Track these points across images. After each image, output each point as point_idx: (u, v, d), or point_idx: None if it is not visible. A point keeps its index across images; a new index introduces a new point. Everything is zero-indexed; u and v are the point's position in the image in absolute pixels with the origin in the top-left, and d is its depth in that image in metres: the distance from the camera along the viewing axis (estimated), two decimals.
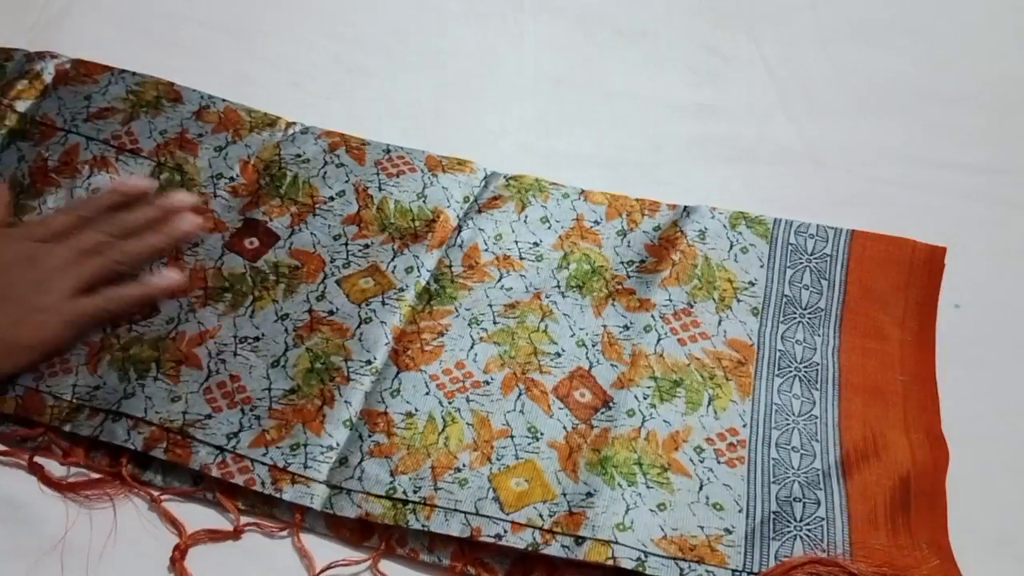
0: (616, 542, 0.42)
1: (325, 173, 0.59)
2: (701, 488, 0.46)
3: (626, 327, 0.52)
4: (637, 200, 0.59)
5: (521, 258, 0.56)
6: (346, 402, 0.48)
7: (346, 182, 0.58)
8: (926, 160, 0.65)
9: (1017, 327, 0.55)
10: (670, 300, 0.53)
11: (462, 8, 0.74)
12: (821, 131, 0.67)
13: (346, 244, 0.55)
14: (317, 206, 0.57)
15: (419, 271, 0.54)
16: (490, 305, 0.53)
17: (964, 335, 0.54)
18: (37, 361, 0.49)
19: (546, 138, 0.65)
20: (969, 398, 0.51)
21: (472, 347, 0.51)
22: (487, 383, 0.49)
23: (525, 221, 0.57)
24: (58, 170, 0.58)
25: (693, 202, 0.59)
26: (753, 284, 0.55)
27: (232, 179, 0.59)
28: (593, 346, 0.51)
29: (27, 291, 0.48)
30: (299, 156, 0.60)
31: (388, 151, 0.61)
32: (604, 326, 0.52)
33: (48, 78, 0.63)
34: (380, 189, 0.58)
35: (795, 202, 0.61)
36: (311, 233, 0.56)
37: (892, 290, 0.55)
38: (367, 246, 0.55)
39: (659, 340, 0.51)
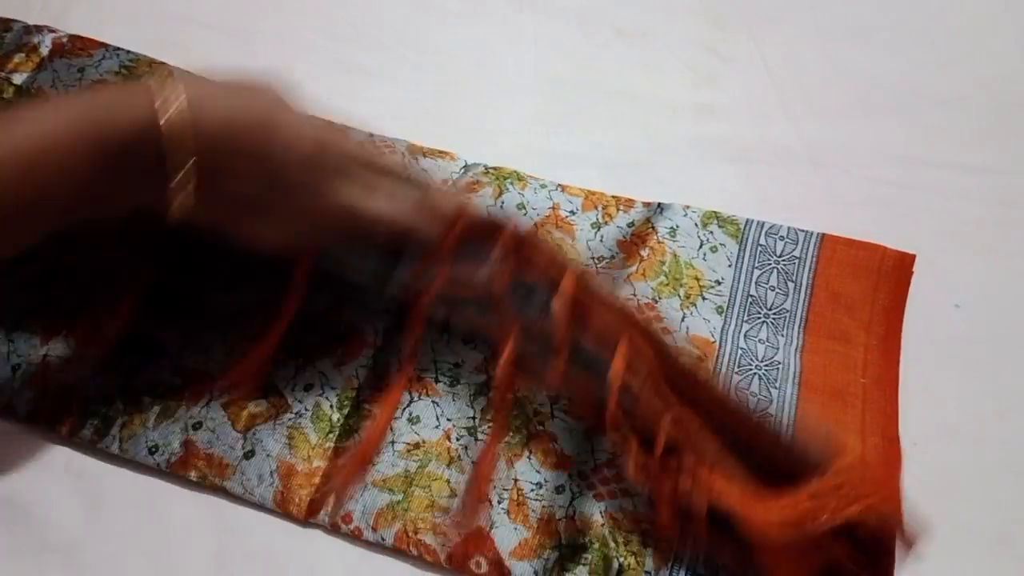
0: None
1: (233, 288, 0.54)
2: None
3: (539, 484, 0.47)
4: (613, 196, 0.59)
5: (437, 381, 0.50)
6: None
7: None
8: (926, 160, 0.65)
9: (1017, 327, 0.55)
10: (635, 295, 0.53)
11: (461, 8, 0.74)
12: (820, 132, 0.67)
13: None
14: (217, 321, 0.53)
15: (323, 389, 0.49)
16: (392, 443, 0.48)
17: (964, 335, 0.54)
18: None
19: (545, 138, 0.65)
20: (969, 398, 0.51)
21: (363, 492, 0.46)
22: (377, 544, 0.45)
23: (502, 206, 0.57)
24: None
25: (692, 202, 0.59)
26: (719, 283, 0.54)
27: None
28: (499, 503, 0.46)
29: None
30: None
31: (371, 136, 0.60)
32: (515, 480, 0.47)
33: (45, 51, 0.64)
34: None
35: (794, 202, 0.61)
36: (204, 348, 0.51)
37: (860, 295, 0.54)
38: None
39: (572, 500, 0.46)
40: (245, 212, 0.43)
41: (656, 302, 0.53)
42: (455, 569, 0.44)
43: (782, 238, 0.56)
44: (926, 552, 0.44)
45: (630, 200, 0.59)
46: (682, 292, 0.54)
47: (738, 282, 0.55)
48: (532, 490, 0.46)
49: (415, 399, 0.49)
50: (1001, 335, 0.54)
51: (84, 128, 0.38)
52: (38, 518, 0.45)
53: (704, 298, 0.54)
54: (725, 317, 0.53)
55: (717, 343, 0.52)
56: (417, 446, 0.48)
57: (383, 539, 0.44)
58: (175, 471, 0.46)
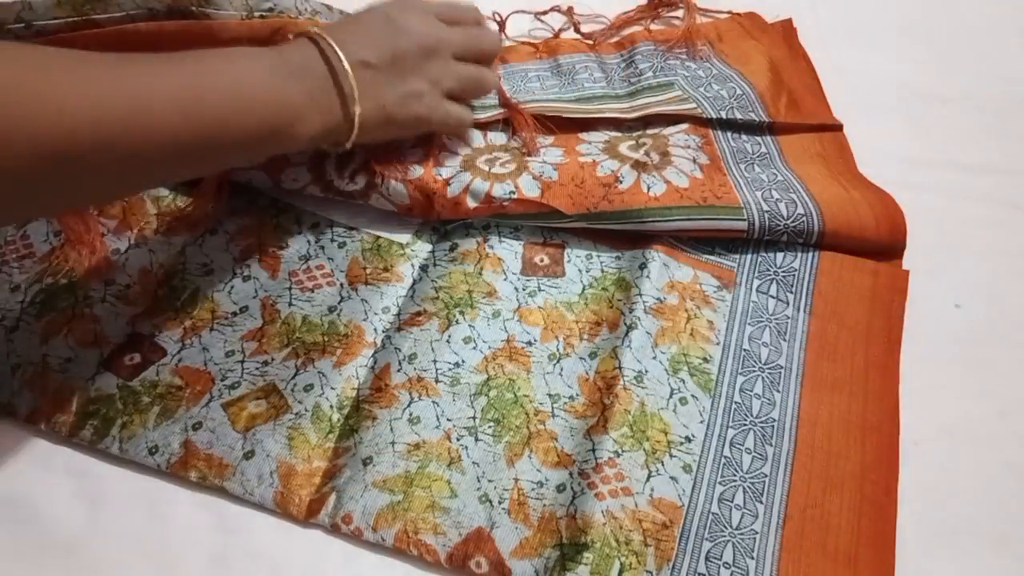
0: None
1: (232, 288, 0.54)
2: None
3: (539, 484, 0.46)
4: (575, 321, 0.54)
5: (437, 381, 0.50)
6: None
7: (253, 297, 0.54)
8: (926, 160, 0.65)
9: (1017, 327, 0.55)
10: (593, 451, 0.47)
11: None
12: None
13: (242, 361, 0.51)
14: (216, 321, 0.53)
15: (322, 389, 0.49)
16: (392, 443, 0.48)
17: (964, 335, 0.54)
18: (397, 135, 0.55)
19: None
20: (969, 398, 0.51)
21: (363, 493, 0.46)
22: (376, 544, 0.45)
23: (448, 340, 0.52)
24: None
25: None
26: (690, 440, 0.48)
27: (127, 286, 0.54)
28: (499, 503, 0.46)
29: (417, 68, 0.52)
30: (205, 265, 0.55)
31: (307, 259, 0.56)
32: (516, 479, 0.47)
33: None
34: (290, 304, 0.54)
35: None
36: (203, 348, 0.51)
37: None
38: (266, 362, 0.51)
39: (573, 499, 0.46)
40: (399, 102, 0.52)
41: (618, 457, 0.47)
42: (455, 569, 0.44)
43: (757, 396, 0.51)
44: (927, 552, 0.44)
45: (596, 326, 0.53)
46: (648, 446, 0.48)
47: (710, 440, 0.49)
48: (533, 489, 0.46)
49: (415, 399, 0.50)
50: (1001, 335, 0.54)
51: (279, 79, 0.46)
52: (38, 518, 0.45)
53: (672, 455, 0.48)
54: (695, 478, 0.47)
55: (684, 508, 0.46)
56: (417, 446, 0.48)
57: (383, 539, 0.44)
58: (175, 472, 0.46)
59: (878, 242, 0.58)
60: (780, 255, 0.57)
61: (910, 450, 0.48)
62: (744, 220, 0.56)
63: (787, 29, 0.75)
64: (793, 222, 0.56)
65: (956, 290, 0.56)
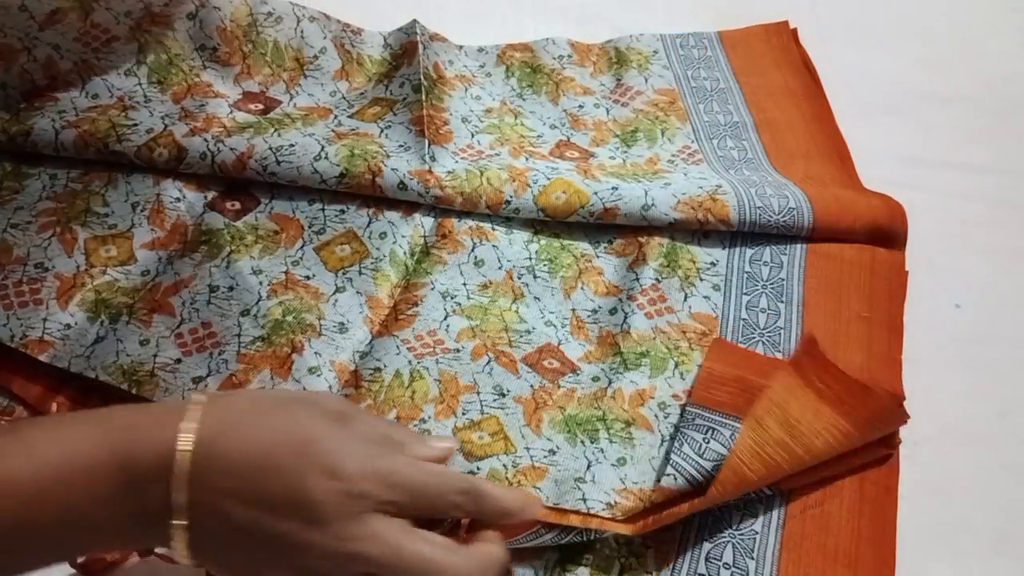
0: (584, 498, 0.43)
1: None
2: (662, 443, 0.47)
3: (594, 311, 0.54)
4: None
5: (494, 229, 0.57)
6: (316, 353, 0.50)
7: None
8: (926, 160, 0.65)
9: (1017, 327, 0.55)
10: (637, 280, 0.54)
11: (462, 8, 0.74)
12: None
13: (323, 210, 0.57)
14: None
15: (395, 237, 0.56)
16: (464, 284, 0.54)
17: (964, 335, 0.54)
18: None
19: None
20: (969, 398, 0.51)
21: (445, 319, 0.52)
22: (458, 351, 0.51)
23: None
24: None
25: None
26: (715, 264, 0.56)
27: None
28: (562, 327, 0.53)
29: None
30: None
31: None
32: (573, 309, 0.54)
33: None
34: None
35: None
36: (290, 198, 0.58)
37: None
38: (343, 211, 0.57)
39: (625, 318, 0.53)
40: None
41: (659, 283, 0.54)
42: None
43: (766, 263, 0.57)
44: (927, 552, 0.44)
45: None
46: (681, 273, 0.55)
47: (732, 260, 0.56)
48: (589, 315, 0.53)
49: (477, 244, 0.56)
50: (1001, 335, 0.54)
51: (102, 457, 0.34)
52: None
53: (702, 279, 0.55)
54: (724, 294, 0.55)
55: (719, 317, 0.53)
56: (485, 286, 0.54)
57: (461, 348, 0.51)
58: (273, 292, 0.52)
59: (874, 229, 0.57)
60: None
61: (910, 450, 0.48)
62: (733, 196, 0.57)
63: (783, 32, 0.74)
64: (784, 216, 0.56)
65: (956, 290, 0.56)
